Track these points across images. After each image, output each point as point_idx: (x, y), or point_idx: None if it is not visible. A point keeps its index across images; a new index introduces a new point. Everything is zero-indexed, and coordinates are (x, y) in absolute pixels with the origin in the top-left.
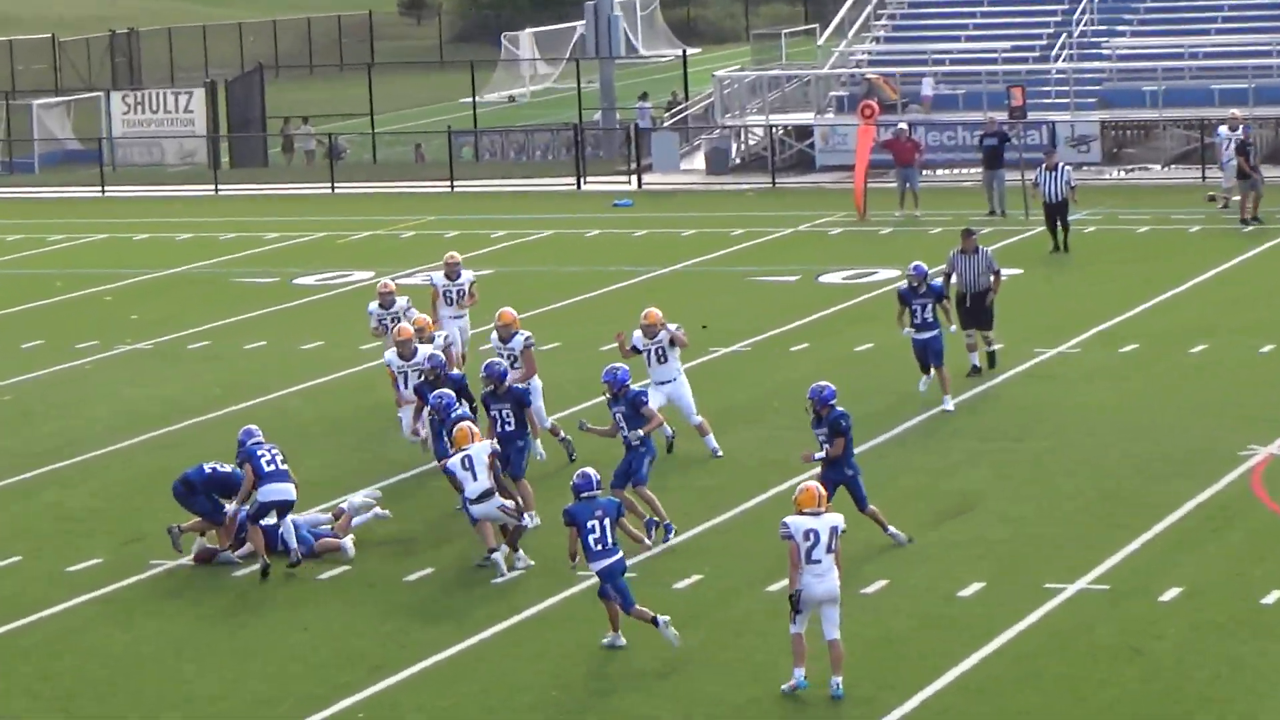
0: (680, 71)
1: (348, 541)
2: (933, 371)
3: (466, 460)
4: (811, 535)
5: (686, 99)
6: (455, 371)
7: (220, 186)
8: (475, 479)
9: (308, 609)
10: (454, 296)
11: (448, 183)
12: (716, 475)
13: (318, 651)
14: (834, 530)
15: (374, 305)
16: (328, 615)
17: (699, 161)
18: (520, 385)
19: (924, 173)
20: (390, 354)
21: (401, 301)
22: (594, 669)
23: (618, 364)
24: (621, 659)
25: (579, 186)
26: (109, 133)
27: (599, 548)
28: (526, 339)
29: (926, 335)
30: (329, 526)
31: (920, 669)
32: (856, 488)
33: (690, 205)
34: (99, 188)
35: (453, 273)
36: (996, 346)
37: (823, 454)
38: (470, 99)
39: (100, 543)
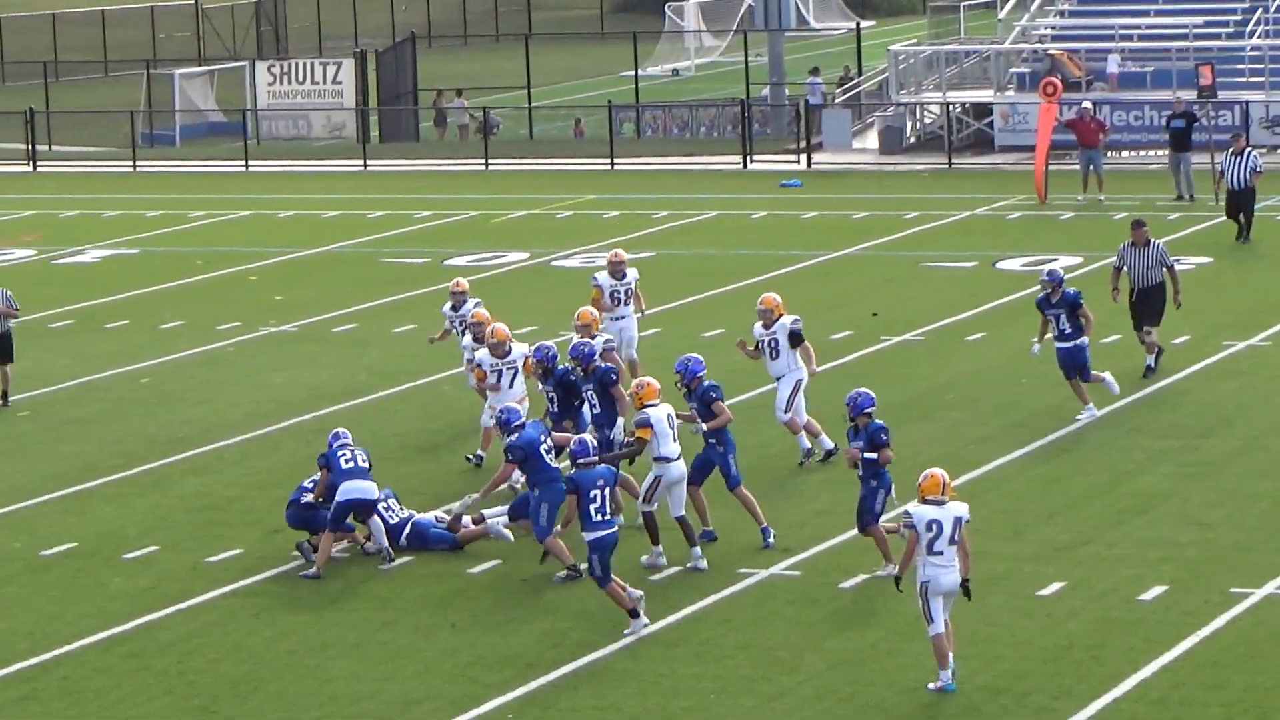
0: (853, 45)
1: (498, 525)
2: (1083, 386)
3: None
4: (934, 526)
5: (859, 74)
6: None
7: (369, 162)
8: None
9: (457, 606)
10: (620, 296)
11: (607, 160)
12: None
13: (468, 650)
14: (958, 520)
15: (446, 307)
16: (478, 612)
17: (871, 140)
18: (605, 365)
19: (1109, 154)
20: (483, 353)
21: (470, 304)
22: (756, 671)
23: (692, 355)
24: (779, 662)
25: (745, 165)
26: (253, 104)
27: (599, 518)
28: (606, 342)
29: (1067, 346)
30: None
31: (1098, 676)
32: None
33: (862, 186)
34: (242, 162)
35: (618, 271)
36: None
37: (874, 455)
38: (632, 72)
39: (241, 533)
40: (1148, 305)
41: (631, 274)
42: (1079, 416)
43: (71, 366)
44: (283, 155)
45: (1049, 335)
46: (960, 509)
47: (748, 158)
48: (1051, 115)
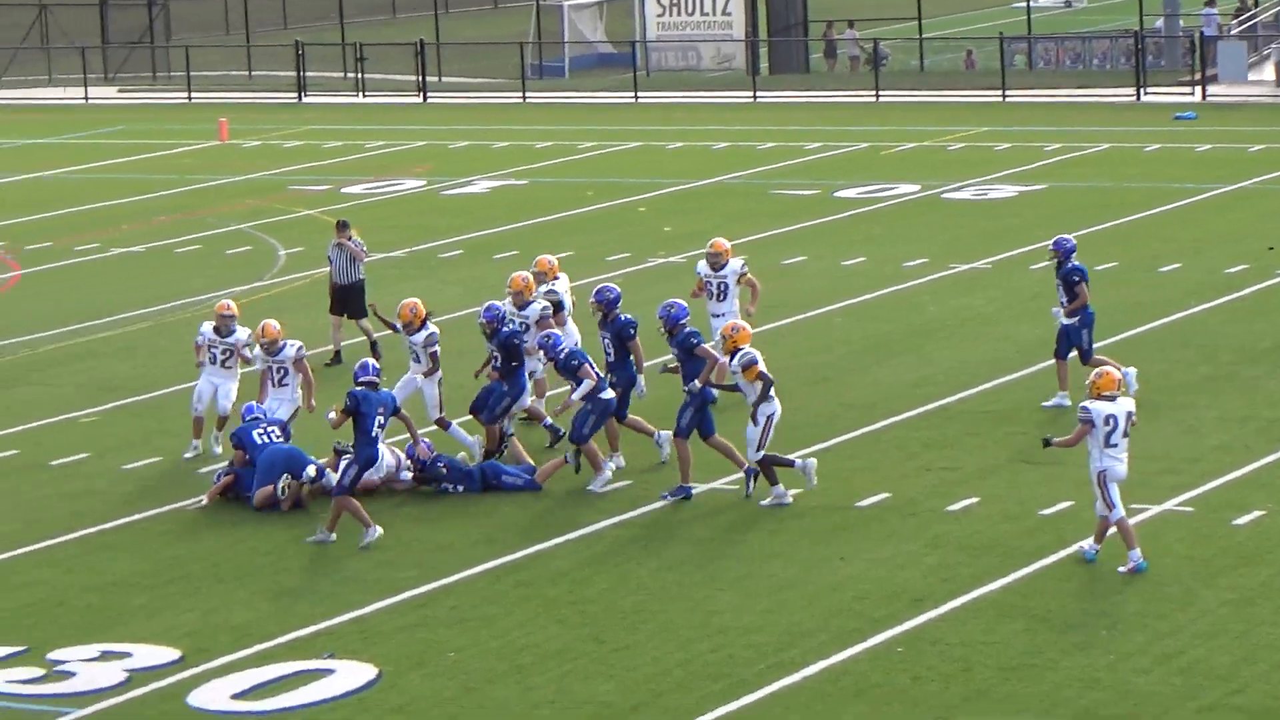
0: None
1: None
2: None
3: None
4: (1111, 420)
5: (1255, 5)
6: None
7: (758, 93)
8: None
9: (846, 539)
10: (716, 289)
11: (999, 92)
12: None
13: (856, 583)
14: (1129, 415)
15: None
16: (867, 546)
17: (1268, 72)
18: (626, 317)
19: None
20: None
21: (242, 333)
22: (1148, 607)
23: (676, 300)
24: (1171, 598)
25: (1138, 97)
26: (642, 36)
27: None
28: (543, 308)
29: None
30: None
31: None
32: None
33: (1258, 119)
34: (631, 93)
35: (716, 262)
36: None
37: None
38: (1024, 3)
39: (630, 463)
40: None
41: (734, 264)
42: None
43: (462, 296)
44: (672, 86)
45: None
46: (1129, 404)
47: (1141, 90)
48: None
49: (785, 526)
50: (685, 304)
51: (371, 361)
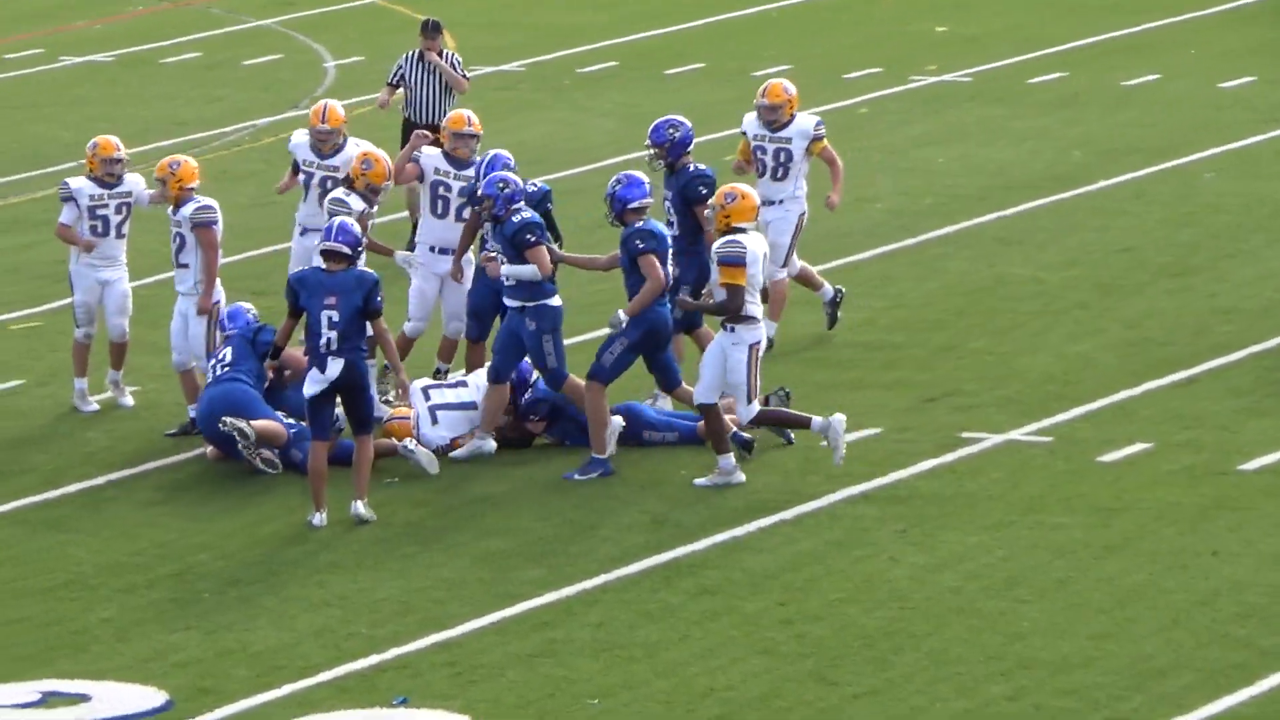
0: None
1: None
2: None
3: None
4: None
5: None
6: None
7: None
8: None
9: (1223, 523)
10: (768, 163)
11: None
12: None
13: (1238, 593)
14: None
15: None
16: (1257, 533)
17: None
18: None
19: None
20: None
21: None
22: None
23: (635, 174)
24: None
25: None
26: None
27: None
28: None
29: None
30: None
31: None
32: None
33: None
34: None
35: (773, 119)
36: None
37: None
38: None
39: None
40: None
41: (802, 123)
42: None
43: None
44: None
45: None
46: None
47: None
48: None
49: (1126, 503)
50: (645, 180)
51: None
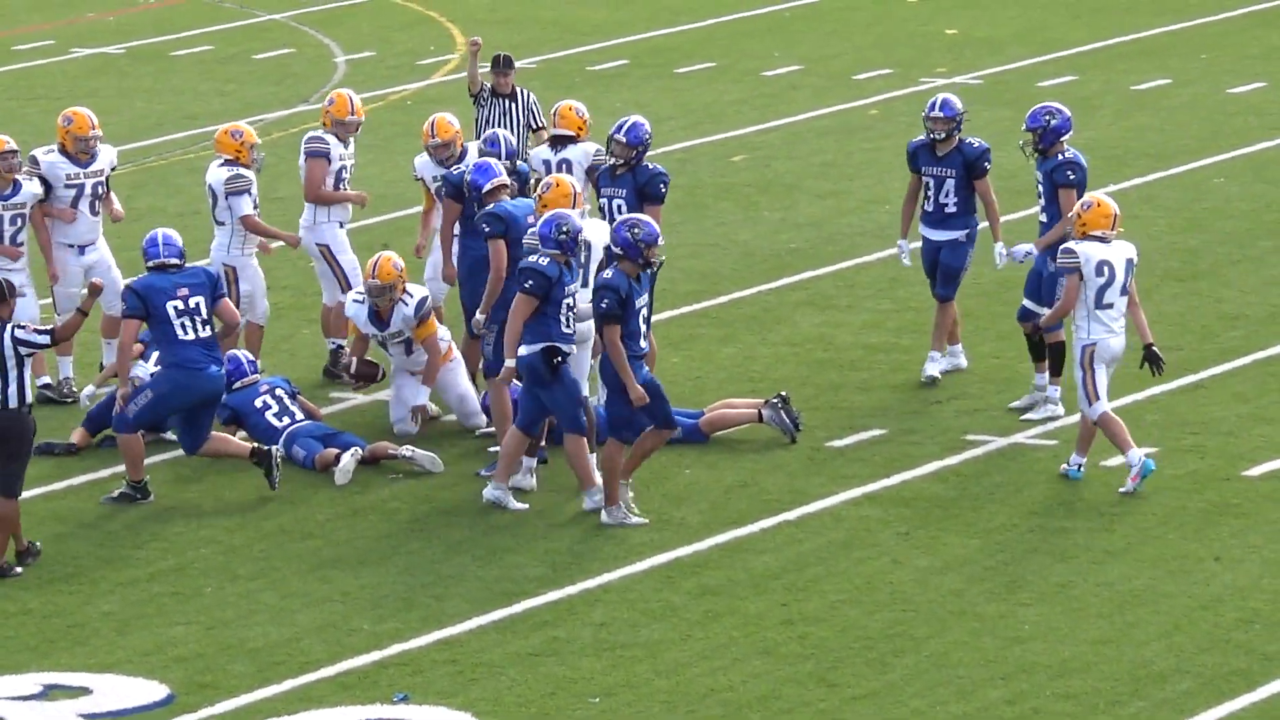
0: None
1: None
2: None
3: None
4: (1105, 269)
5: None
6: None
7: None
8: None
9: (1226, 528)
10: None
11: None
12: None
13: (1240, 598)
14: (1129, 264)
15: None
16: (1260, 539)
17: None
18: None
19: None
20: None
21: None
22: None
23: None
24: None
25: None
26: None
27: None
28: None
29: None
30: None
31: None
32: None
33: None
34: None
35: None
36: None
37: None
38: None
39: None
40: None
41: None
42: None
43: None
44: None
45: None
46: (1130, 249)
47: None
48: None
49: (1129, 507)
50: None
51: None
